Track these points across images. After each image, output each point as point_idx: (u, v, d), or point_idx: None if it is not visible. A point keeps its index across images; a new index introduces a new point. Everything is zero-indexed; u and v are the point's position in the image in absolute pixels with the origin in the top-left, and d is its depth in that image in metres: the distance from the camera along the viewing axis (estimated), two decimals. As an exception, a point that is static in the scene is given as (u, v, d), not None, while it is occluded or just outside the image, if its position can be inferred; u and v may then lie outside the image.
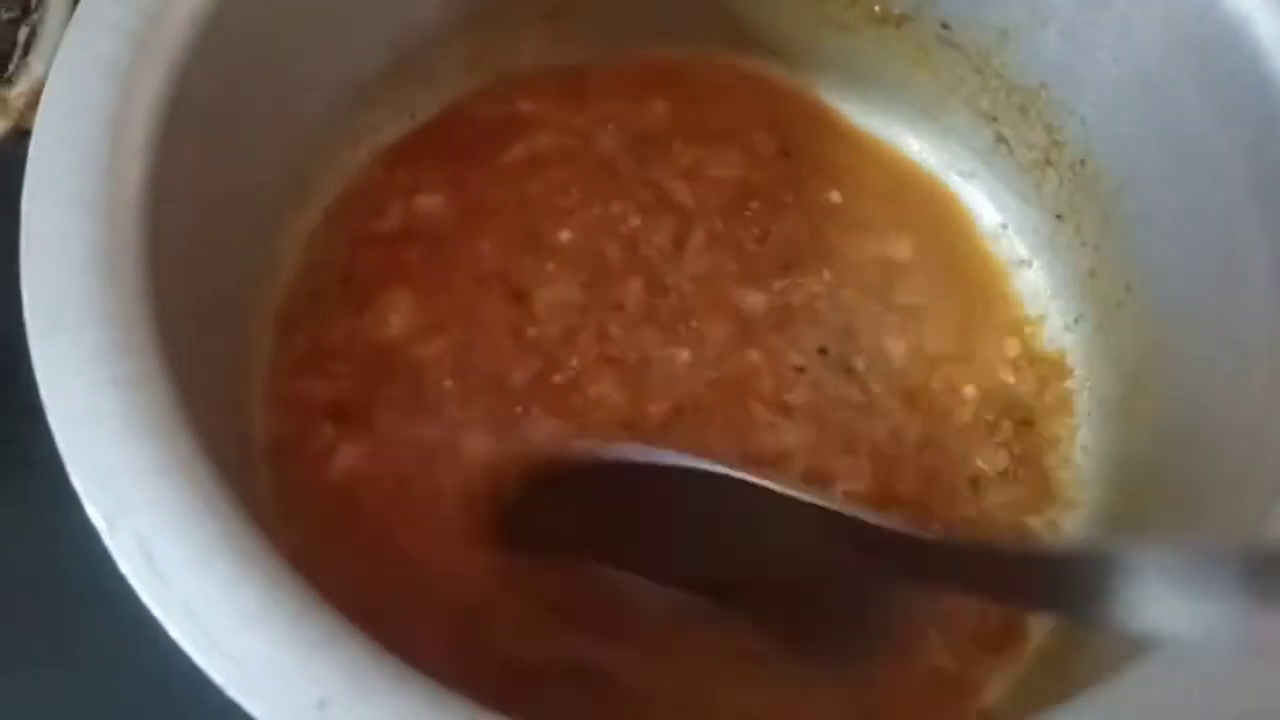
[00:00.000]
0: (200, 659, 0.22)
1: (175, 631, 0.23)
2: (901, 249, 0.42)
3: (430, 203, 0.41)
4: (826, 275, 0.41)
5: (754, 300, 0.40)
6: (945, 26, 0.41)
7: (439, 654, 0.29)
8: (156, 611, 0.23)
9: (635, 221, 0.41)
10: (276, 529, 0.34)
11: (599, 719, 0.34)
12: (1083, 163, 0.40)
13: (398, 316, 0.39)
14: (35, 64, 0.45)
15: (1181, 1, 0.34)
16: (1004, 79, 0.41)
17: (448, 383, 0.38)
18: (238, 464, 0.34)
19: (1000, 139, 0.42)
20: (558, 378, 0.38)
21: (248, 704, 0.22)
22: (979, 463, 0.39)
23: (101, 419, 0.25)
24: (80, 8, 0.30)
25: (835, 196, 0.43)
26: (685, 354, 0.39)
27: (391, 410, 0.37)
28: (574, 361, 0.38)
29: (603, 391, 0.38)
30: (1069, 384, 0.41)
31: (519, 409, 0.38)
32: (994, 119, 0.42)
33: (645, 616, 0.34)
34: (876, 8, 0.41)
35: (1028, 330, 0.42)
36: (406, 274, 0.39)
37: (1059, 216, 0.42)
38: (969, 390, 0.40)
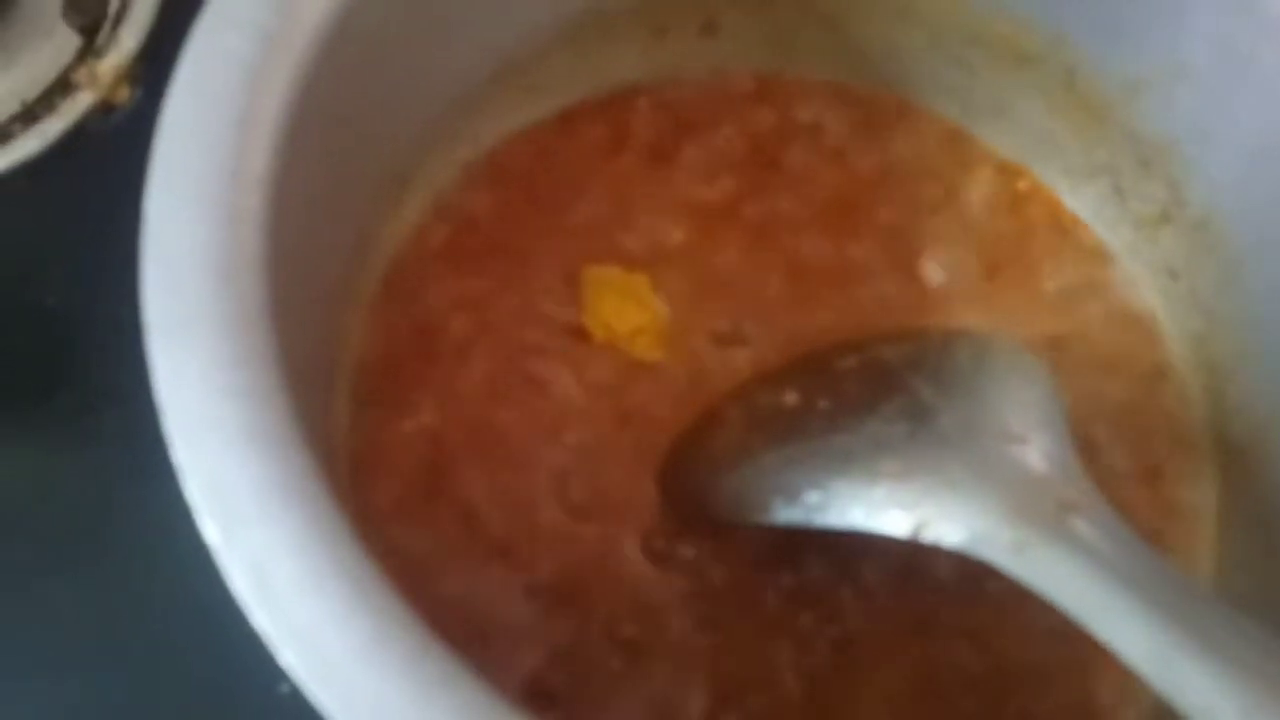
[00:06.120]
0: (313, 686, 0.22)
1: (288, 655, 0.22)
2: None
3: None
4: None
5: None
6: (1071, 74, 0.39)
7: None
8: (267, 632, 0.22)
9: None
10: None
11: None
12: (1205, 224, 0.39)
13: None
14: (125, 37, 0.45)
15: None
16: (1128, 131, 0.39)
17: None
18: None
19: (1116, 190, 0.41)
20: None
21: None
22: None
23: (219, 429, 0.24)
24: (211, 1, 0.29)
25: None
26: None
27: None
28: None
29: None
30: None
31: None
32: (1112, 169, 0.41)
33: None
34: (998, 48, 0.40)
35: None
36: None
37: (1173, 274, 0.40)
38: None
